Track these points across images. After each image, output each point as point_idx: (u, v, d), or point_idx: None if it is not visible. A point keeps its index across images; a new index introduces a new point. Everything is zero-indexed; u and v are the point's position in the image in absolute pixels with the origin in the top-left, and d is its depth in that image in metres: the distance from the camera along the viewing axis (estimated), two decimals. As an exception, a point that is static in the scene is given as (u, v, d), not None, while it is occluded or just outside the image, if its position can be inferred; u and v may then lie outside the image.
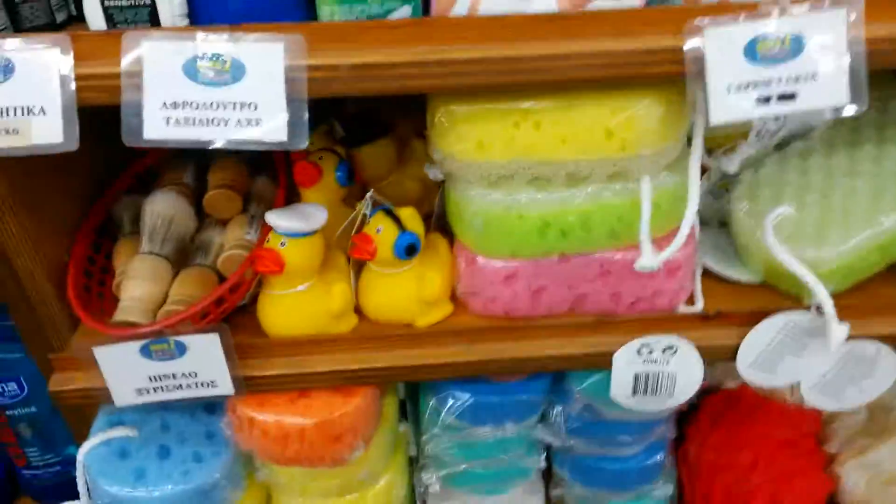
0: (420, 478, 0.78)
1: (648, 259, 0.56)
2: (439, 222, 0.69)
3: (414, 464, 0.81)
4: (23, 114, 0.48)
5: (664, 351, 0.62)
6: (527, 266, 0.61)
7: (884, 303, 0.65)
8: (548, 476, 0.84)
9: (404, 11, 0.50)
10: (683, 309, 0.64)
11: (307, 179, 0.67)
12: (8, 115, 0.48)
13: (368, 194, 0.62)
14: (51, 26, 0.54)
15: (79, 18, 0.56)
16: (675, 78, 0.49)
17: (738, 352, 0.65)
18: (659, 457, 0.78)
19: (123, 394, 0.61)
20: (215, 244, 0.68)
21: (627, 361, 0.63)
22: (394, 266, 0.63)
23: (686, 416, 0.84)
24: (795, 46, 0.49)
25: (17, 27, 0.53)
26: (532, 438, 0.76)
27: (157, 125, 0.48)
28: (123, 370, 0.60)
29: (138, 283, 0.63)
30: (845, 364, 0.66)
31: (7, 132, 0.48)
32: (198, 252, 0.68)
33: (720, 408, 0.85)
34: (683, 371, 0.64)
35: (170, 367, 0.60)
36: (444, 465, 0.76)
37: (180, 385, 0.61)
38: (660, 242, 0.57)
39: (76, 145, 0.48)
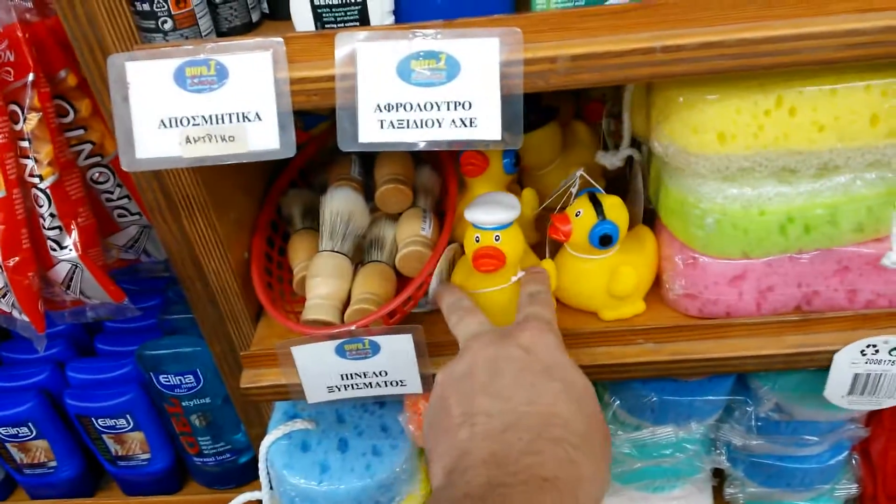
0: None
1: (897, 257, 0.52)
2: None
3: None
4: (239, 120, 0.48)
5: (891, 351, 0.58)
6: (757, 265, 0.57)
7: None
8: (718, 473, 0.81)
9: (624, -3, 0.47)
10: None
11: (475, 169, 0.66)
12: (223, 121, 0.48)
13: (578, 172, 0.60)
14: (248, 26, 0.54)
15: (270, 16, 0.56)
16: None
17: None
18: (843, 455, 0.74)
19: (316, 391, 0.61)
20: (389, 239, 0.67)
21: (849, 361, 0.59)
22: (589, 252, 0.61)
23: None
24: None
25: (218, 29, 0.53)
26: (710, 437, 0.73)
27: (372, 128, 0.47)
28: (318, 369, 0.60)
29: (324, 280, 0.62)
30: None
31: (223, 139, 0.48)
32: (372, 247, 0.67)
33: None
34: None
35: (362, 366, 0.60)
36: (618, 463, 0.74)
37: (370, 383, 0.61)
38: None
39: (294, 151, 0.48)
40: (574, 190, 0.60)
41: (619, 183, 0.72)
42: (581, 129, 0.76)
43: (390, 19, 0.49)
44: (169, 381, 0.76)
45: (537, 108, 0.72)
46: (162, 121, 0.48)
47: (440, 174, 0.72)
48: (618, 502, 0.80)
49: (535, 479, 0.39)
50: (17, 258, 0.58)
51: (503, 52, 0.46)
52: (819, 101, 0.50)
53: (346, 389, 0.62)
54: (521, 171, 0.74)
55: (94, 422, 0.80)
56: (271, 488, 0.71)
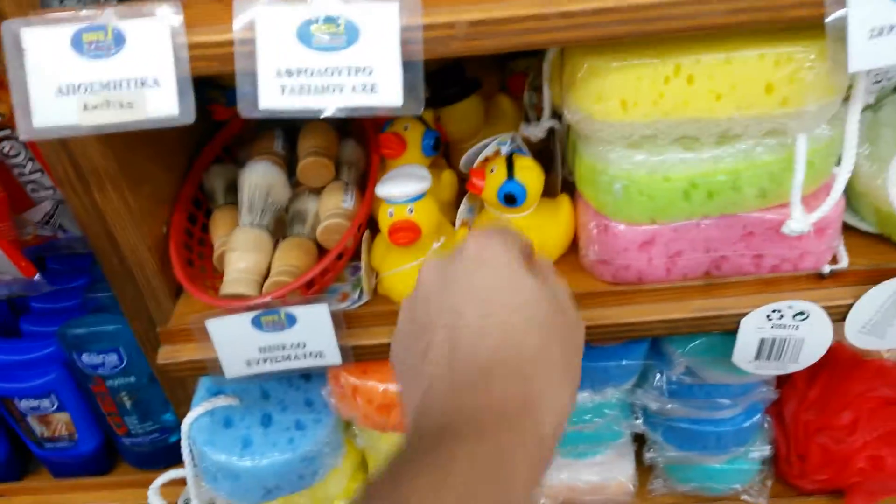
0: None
1: (799, 222, 0.54)
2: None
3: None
4: (136, 86, 0.47)
5: (795, 316, 0.60)
6: (665, 231, 0.59)
7: None
8: (639, 438, 0.84)
9: (521, -37, 0.47)
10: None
11: (392, 152, 0.66)
12: (121, 87, 0.47)
13: (515, 133, 0.62)
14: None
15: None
16: (817, 23, 0.46)
17: (848, 316, 0.62)
18: (756, 418, 0.77)
19: (234, 365, 0.61)
20: (311, 213, 0.67)
21: (755, 326, 0.61)
22: (501, 211, 0.62)
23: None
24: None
25: (119, -4, 0.52)
26: (628, 402, 0.75)
27: (273, 94, 0.47)
28: (234, 342, 0.60)
29: (242, 254, 0.62)
30: None
31: (121, 105, 0.48)
32: (294, 221, 0.67)
33: (815, 366, 0.83)
34: (812, 336, 0.62)
35: (279, 338, 0.60)
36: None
37: (289, 356, 0.61)
38: (807, 201, 0.55)
39: (193, 118, 0.47)
40: (503, 150, 0.61)
41: (545, 154, 0.73)
42: (505, 101, 0.77)
43: (291, -15, 0.49)
44: (92, 361, 0.75)
45: (459, 80, 0.73)
46: (59, 88, 0.47)
47: (364, 147, 0.72)
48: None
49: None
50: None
51: (402, 16, 0.46)
52: (715, 70, 0.51)
53: (264, 363, 0.62)
54: (447, 145, 0.75)
55: (18, 403, 0.78)
56: (195, 466, 0.71)
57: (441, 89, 0.72)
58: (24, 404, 0.78)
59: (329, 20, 0.46)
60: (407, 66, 0.47)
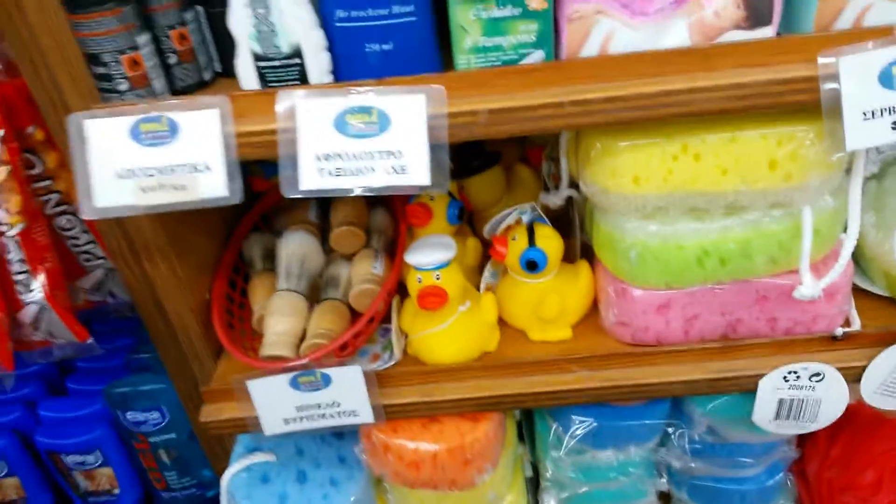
0: (541, 499, 0.80)
1: (809, 288, 0.57)
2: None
3: (529, 484, 0.82)
4: (189, 171, 0.52)
5: (811, 378, 0.62)
6: (681, 295, 0.62)
7: None
8: (665, 497, 0.85)
9: (537, 56, 0.52)
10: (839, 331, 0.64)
11: (419, 221, 0.70)
12: (175, 172, 0.52)
13: (534, 203, 0.66)
14: (201, 84, 0.59)
15: (223, 74, 0.61)
16: (811, 106, 0.49)
17: (863, 377, 0.64)
18: (779, 476, 0.78)
19: (272, 423, 0.65)
20: (343, 278, 0.71)
21: (773, 387, 0.63)
22: (523, 276, 0.66)
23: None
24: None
25: (172, 87, 0.57)
26: (652, 461, 0.77)
27: (312, 176, 0.52)
28: (273, 401, 0.63)
29: (280, 318, 0.66)
30: None
31: (175, 188, 0.53)
32: (328, 286, 0.71)
33: (837, 424, 0.84)
34: (829, 397, 0.64)
35: (315, 398, 0.63)
36: (565, 487, 0.77)
37: (324, 414, 0.64)
38: (817, 267, 0.58)
39: (240, 198, 0.52)
40: (524, 218, 0.65)
41: (563, 221, 0.77)
42: (524, 171, 0.81)
43: (329, 78, 0.54)
44: (136, 418, 0.79)
45: (481, 153, 0.77)
46: (118, 172, 0.53)
47: (393, 216, 0.76)
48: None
49: None
50: (-14, 302, 0.62)
51: (429, 106, 0.51)
52: (720, 148, 0.55)
53: (301, 421, 0.65)
54: (471, 214, 0.79)
55: (64, 458, 0.82)
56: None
57: (464, 162, 0.77)
58: (70, 459, 0.82)
59: (363, 110, 0.51)
60: (434, 148, 0.51)
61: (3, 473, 0.83)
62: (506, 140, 0.84)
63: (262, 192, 0.80)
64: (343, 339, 0.63)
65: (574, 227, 0.73)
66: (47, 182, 0.68)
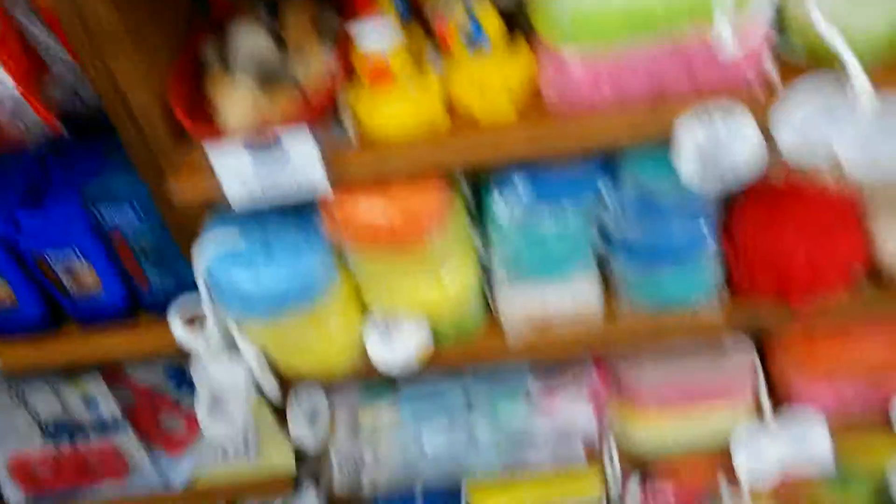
0: (493, 271, 0.89)
1: (728, 42, 0.62)
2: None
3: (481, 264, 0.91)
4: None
5: (724, 119, 0.68)
6: (611, 59, 0.67)
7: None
8: (604, 262, 0.93)
9: None
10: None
11: (364, 8, 0.73)
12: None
13: None
14: None
15: None
16: None
17: (778, 120, 0.70)
18: (705, 229, 0.86)
19: (238, 196, 0.71)
20: (296, 70, 0.75)
21: (689, 130, 0.69)
22: (465, 55, 0.71)
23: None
24: None
25: None
26: (589, 223, 0.84)
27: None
28: (236, 173, 0.69)
29: (238, 109, 0.70)
30: (879, 131, 0.71)
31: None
32: (282, 78, 0.75)
33: (759, 190, 0.91)
34: (742, 144, 0.70)
35: (276, 172, 0.69)
36: (511, 258, 0.86)
37: (284, 185, 0.70)
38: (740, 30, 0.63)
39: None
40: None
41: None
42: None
43: None
44: (111, 216, 0.85)
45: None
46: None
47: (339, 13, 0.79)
48: (515, 294, 0.92)
49: None
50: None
51: None
52: None
53: (263, 193, 0.71)
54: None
55: (49, 260, 0.88)
56: (210, 297, 0.82)
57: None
58: (54, 260, 0.87)
59: None
60: None
61: (-5, 279, 0.89)
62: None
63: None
64: (293, 110, 0.68)
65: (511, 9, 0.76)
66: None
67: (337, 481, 1.22)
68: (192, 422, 1.24)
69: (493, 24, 0.69)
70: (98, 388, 1.11)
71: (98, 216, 0.85)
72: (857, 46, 0.64)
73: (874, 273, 0.93)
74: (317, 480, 1.25)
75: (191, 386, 1.21)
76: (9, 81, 0.68)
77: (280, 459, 1.22)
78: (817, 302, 0.92)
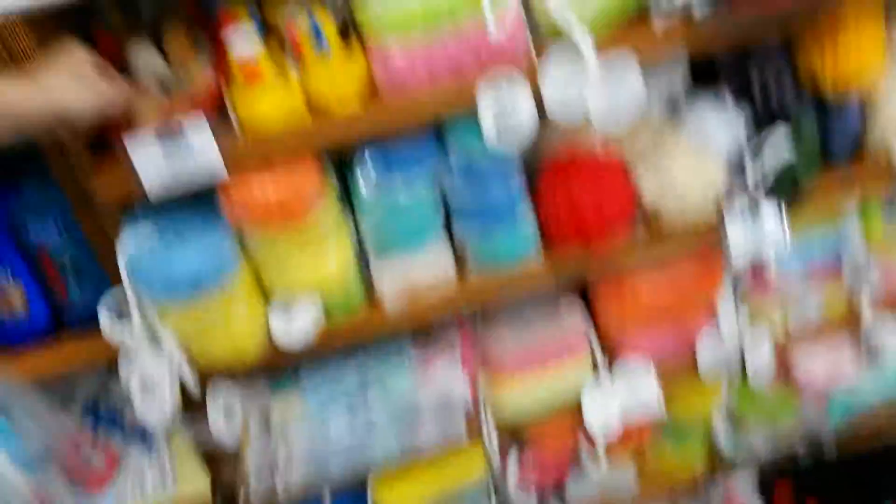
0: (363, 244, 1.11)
1: (494, 28, 0.92)
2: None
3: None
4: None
5: (507, 85, 0.97)
6: (421, 50, 0.94)
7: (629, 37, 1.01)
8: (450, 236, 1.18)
9: None
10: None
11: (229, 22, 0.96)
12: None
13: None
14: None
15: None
16: None
17: (542, 90, 0.99)
18: (519, 192, 1.13)
19: (154, 188, 0.90)
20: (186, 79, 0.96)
21: (485, 98, 0.97)
22: (315, 57, 0.96)
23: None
24: None
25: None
26: (434, 193, 1.10)
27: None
28: (150, 166, 0.89)
29: (146, 112, 0.92)
30: (611, 90, 1.00)
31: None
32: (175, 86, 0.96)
33: (555, 162, 1.19)
34: (524, 109, 0.98)
35: (181, 161, 0.89)
36: (374, 226, 1.09)
37: (189, 171, 0.91)
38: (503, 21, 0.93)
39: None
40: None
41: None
42: None
43: None
44: (36, 232, 1.01)
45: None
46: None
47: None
48: (385, 267, 1.15)
49: None
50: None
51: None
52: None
53: (175, 181, 0.91)
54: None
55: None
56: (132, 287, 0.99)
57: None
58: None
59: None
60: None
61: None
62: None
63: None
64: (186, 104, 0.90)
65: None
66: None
67: (253, 491, 1.34)
68: (111, 458, 1.33)
69: (330, 30, 0.95)
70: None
71: (24, 233, 1.01)
72: (583, 20, 0.95)
73: (646, 219, 1.22)
74: (233, 500, 1.36)
75: (108, 422, 1.33)
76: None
77: (196, 486, 1.33)
78: (608, 246, 1.19)
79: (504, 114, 0.99)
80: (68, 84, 0.81)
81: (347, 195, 1.11)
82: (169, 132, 0.88)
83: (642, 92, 1.03)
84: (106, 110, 0.84)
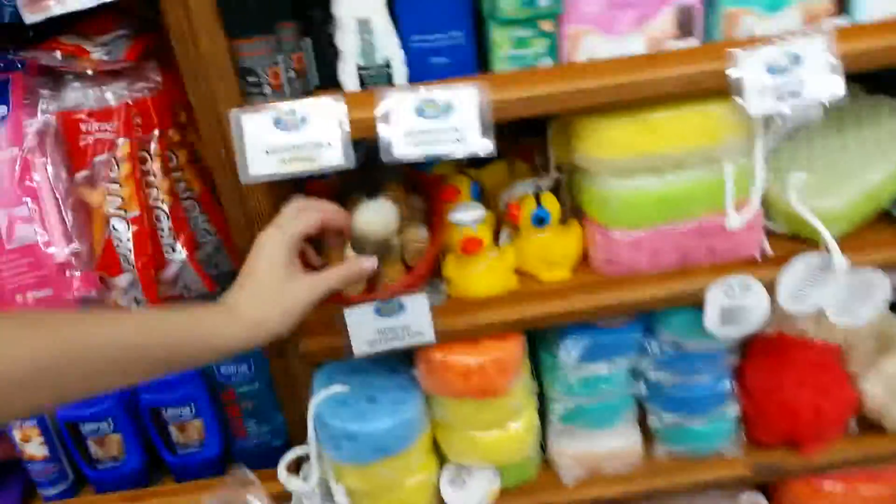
0: (548, 416, 1.03)
1: (735, 220, 0.85)
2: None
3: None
4: (314, 147, 0.75)
5: (741, 289, 0.88)
6: (647, 234, 0.88)
7: (874, 240, 0.92)
8: (643, 415, 1.08)
9: (547, 61, 0.79)
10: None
11: (450, 197, 0.95)
12: (304, 149, 0.76)
13: (536, 179, 0.90)
14: (308, 93, 0.83)
15: (320, 87, 0.85)
16: (725, 89, 0.77)
17: (778, 284, 0.90)
18: (726, 383, 1.03)
19: (359, 346, 0.86)
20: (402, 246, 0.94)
21: (716, 299, 0.88)
22: (533, 231, 0.92)
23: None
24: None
25: (293, 94, 0.81)
26: (632, 375, 1.01)
27: (403, 147, 0.76)
28: (360, 328, 0.85)
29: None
30: (852, 289, 0.91)
31: (306, 159, 0.76)
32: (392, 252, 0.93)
33: (765, 347, 1.09)
34: (755, 304, 0.89)
35: (392, 322, 0.85)
36: (565, 401, 1.01)
37: (397, 336, 0.86)
38: (739, 209, 0.86)
39: (354, 164, 0.76)
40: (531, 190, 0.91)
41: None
42: (520, 164, 1.07)
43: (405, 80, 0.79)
44: (227, 371, 0.99)
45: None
46: (266, 149, 0.76)
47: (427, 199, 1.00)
48: (567, 441, 1.06)
49: None
50: (144, 258, 0.83)
51: (479, 95, 0.76)
52: (668, 121, 0.82)
53: (380, 343, 0.87)
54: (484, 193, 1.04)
55: (163, 412, 1.00)
56: (317, 439, 0.94)
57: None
58: (169, 413, 1.00)
59: (432, 102, 0.76)
60: (483, 124, 0.76)
61: (110, 430, 1.00)
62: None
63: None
64: (411, 277, 0.86)
65: (563, 198, 0.99)
66: (178, 174, 0.90)
67: None
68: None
69: (555, 208, 0.91)
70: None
71: (215, 372, 0.99)
72: (826, 222, 0.86)
73: (861, 419, 1.08)
74: None
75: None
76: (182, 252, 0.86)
77: None
78: (823, 448, 1.06)
79: (733, 309, 0.90)
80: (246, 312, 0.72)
81: (535, 364, 1.04)
82: (387, 304, 0.84)
83: (888, 293, 0.92)
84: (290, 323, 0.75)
